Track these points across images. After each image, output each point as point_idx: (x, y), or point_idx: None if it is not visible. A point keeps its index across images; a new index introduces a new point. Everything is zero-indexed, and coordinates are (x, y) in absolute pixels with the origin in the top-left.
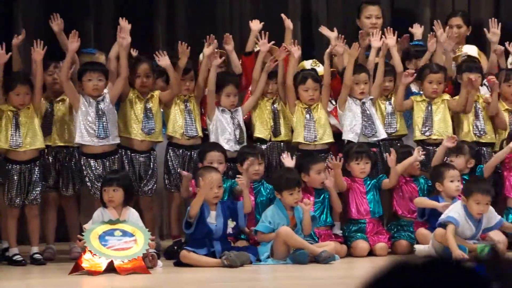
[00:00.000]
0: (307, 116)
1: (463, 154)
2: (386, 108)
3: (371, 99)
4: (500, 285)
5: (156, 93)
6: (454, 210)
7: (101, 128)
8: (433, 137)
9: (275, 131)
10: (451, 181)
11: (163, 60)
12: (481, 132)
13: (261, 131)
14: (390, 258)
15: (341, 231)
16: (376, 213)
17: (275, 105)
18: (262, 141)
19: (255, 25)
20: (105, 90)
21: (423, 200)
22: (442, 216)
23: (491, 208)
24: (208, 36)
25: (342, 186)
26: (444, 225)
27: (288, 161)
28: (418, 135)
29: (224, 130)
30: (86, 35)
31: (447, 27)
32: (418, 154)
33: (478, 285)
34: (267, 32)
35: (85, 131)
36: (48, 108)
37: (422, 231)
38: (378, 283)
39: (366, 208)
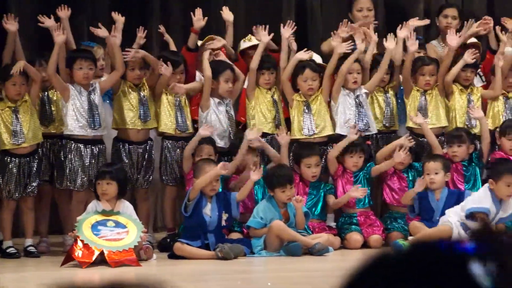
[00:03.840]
0: (305, 109)
1: (464, 142)
2: (384, 101)
3: (366, 93)
4: (496, 264)
5: (144, 80)
6: (484, 200)
7: (93, 119)
8: (429, 126)
9: (278, 124)
10: (427, 174)
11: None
12: (473, 124)
13: (263, 124)
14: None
15: (334, 223)
16: (362, 203)
17: (274, 97)
18: (264, 135)
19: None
20: (95, 81)
21: (406, 195)
22: (473, 205)
23: None
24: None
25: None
26: (473, 216)
27: (251, 133)
28: (411, 123)
29: (219, 124)
30: (80, 29)
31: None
32: (406, 140)
33: (461, 268)
34: (267, 25)
35: (76, 122)
36: (44, 97)
37: (415, 223)
38: (359, 278)
39: (352, 199)
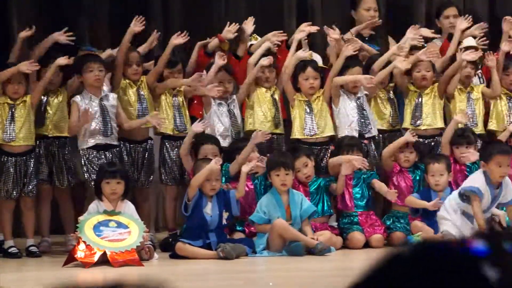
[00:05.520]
0: (307, 109)
1: (472, 144)
2: (388, 100)
3: (366, 95)
4: (500, 271)
5: (143, 77)
6: (476, 180)
7: (105, 126)
8: (423, 127)
9: (278, 123)
10: (432, 176)
11: None
12: (473, 124)
13: (262, 123)
14: (384, 251)
15: (336, 223)
16: (362, 207)
17: (274, 96)
18: None
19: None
20: (106, 88)
21: (413, 200)
22: (466, 185)
23: (509, 180)
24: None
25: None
26: (465, 196)
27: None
28: (407, 125)
29: (220, 125)
30: (81, 32)
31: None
32: (409, 136)
33: (471, 268)
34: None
35: (88, 134)
36: (42, 100)
37: (417, 223)
38: (371, 279)
39: (351, 201)
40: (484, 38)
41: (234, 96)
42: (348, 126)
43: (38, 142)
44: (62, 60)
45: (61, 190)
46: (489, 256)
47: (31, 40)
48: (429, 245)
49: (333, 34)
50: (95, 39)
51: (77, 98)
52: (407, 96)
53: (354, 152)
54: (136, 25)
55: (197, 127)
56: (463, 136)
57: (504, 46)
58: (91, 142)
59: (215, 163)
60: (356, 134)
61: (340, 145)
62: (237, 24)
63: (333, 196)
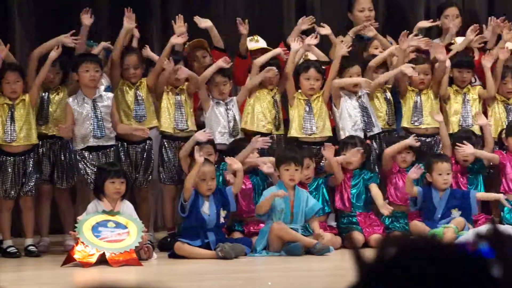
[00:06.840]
0: (307, 108)
1: (473, 145)
2: (385, 99)
3: (367, 94)
4: (502, 267)
5: (144, 79)
6: None
7: (98, 128)
8: (422, 126)
9: (279, 124)
10: (439, 174)
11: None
12: (469, 125)
13: (262, 125)
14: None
15: (335, 223)
16: (359, 207)
17: (275, 97)
18: (262, 135)
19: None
20: (102, 88)
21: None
22: None
23: None
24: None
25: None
26: None
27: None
28: (407, 124)
29: (218, 123)
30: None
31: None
32: (412, 141)
33: (474, 269)
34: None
35: (80, 136)
36: (44, 97)
37: (416, 223)
38: (374, 278)
39: (349, 201)
40: (479, 37)
41: (234, 98)
42: (353, 127)
43: (40, 142)
44: (54, 54)
45: (61, 190)
46: (492, 258)
47: (32, 39)
48: (431, 247)
49: (323, 30)
50: (95, 38)
51: (70, 99)
52: (403, 96)
53: (347, 150)
54: (129, 22)
55: (201, 135)
56: (464, 137)
57: (501, 55)
58: (83, 145)
59: (199, 156)
60: (361, 134)
61: (339, 143)
62: (185, 24)
63: (333, 192)
